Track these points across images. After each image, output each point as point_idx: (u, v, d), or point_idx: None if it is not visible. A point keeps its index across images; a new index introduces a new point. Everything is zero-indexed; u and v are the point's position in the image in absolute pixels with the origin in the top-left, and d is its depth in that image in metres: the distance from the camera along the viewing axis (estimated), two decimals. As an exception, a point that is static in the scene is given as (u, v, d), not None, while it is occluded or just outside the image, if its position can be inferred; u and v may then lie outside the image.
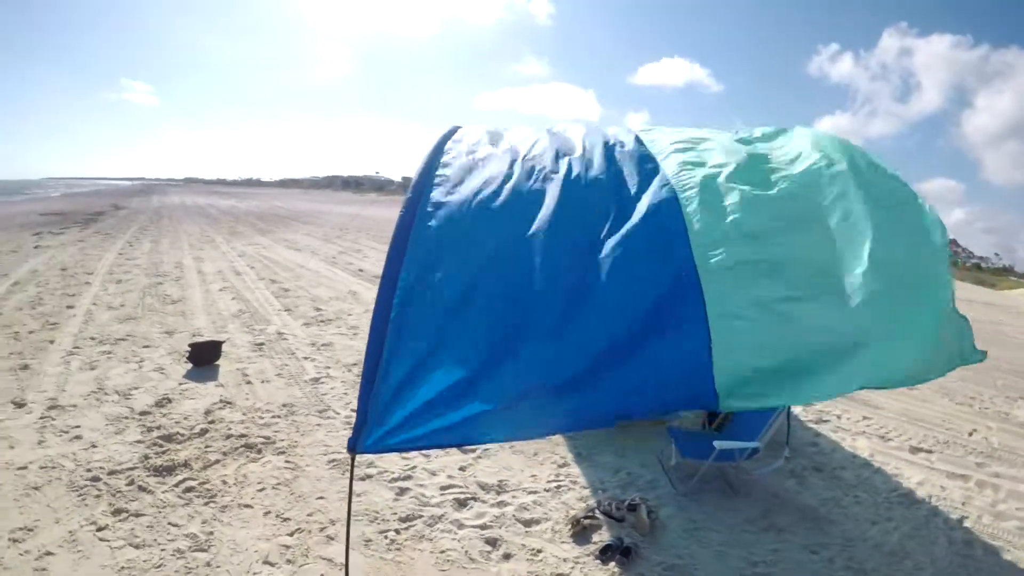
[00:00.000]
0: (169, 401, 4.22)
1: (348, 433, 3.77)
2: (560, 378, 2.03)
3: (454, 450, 3.80)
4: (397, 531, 2.91)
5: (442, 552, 2.77)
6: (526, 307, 2.10)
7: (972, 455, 4.21)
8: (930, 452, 4.20)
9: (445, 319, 2.03)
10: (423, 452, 3.78)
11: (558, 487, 3.43)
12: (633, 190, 2.49)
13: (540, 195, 2.41)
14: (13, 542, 2.56)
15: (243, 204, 34.92)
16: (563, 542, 2.89)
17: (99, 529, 2.73)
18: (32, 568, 2.41)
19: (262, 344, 5.75)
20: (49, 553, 2.52)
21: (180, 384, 4.56)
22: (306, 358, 5.40)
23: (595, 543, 2.86)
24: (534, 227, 2.26)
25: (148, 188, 54.08)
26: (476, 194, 2.37)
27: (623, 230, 2.28)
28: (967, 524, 3.28)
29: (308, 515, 2.99)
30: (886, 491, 3.59)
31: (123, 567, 2.49)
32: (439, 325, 2.01)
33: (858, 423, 4.68)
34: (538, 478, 3.55)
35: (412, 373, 1.98)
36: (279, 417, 4.09)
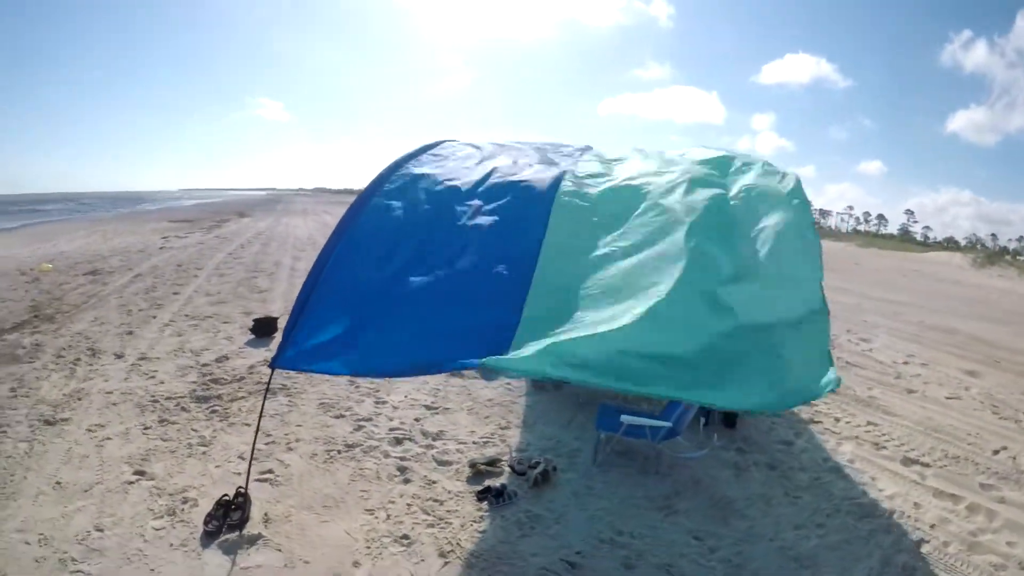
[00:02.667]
0: (227, 359, 5.77)
1: (348, 386, 5.13)
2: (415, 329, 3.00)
3: (416, 403, 4.80)
4: (339, 451, 3.94)
5: (361, 470, 3.72)
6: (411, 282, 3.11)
7: (983, 475, 4.00)
8: (927, 466, 4.07)
9: (358, 284, 2.95)
10: (388, 403, 4.93)
11: (486, 443, 4.18)
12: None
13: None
14: (87, 431, 4.05)
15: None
16: (458, 480, 3.65)
17: (145, 428, 4.17)
18: (94, 445, 3.85)
19: None
20: (108, 438, 3.96)
21: (239, 348, 6.14)
22: None
23: (484, 486, 3.54)
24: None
25: (276, 198, 63.31)
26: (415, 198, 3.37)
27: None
28: (923, 549, 3.13)
29: (285, 433, 4.16)
30: (839, 499, 3.57)
31: (151, 449, 3.85)
32: (353, 287, 2.94)
33: (856, 428, 4.65)
34: (475, 434, 4.39)
35: (322, 316, 3.12)
36: (305, 376, 5.37)
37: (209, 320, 7.37)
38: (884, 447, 4.39)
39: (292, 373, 5.41)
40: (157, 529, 3.10)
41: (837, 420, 4.83)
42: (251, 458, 3.40)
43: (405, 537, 3.12)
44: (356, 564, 2.90)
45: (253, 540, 3.05)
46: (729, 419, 4.48)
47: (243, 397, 4.96)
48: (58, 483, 3.43)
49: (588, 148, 4.40)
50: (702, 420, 4.13)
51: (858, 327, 8.09)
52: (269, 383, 3.59)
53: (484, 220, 3.26)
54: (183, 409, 4.65)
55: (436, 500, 3.49)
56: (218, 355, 6.00)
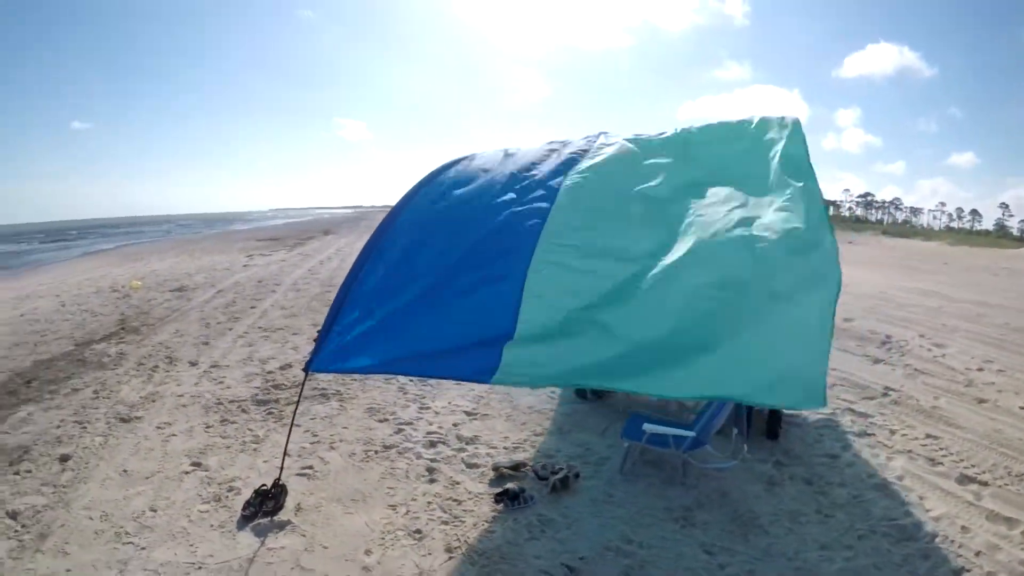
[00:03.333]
0: (290, 367, 6.28)
1: (397, 392, 5.46)
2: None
3: (457, 409, 5.00)
4: (376, 452, 4.20)
5: (392, 469, 3.93)
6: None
7: (1050, 497, 3.52)
8: (985, 485, 3.68)
9: (376, 294, 3.24)
10: (431, 408, 5.17)
11: (517, 448, 4.28)
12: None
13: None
14: (156, 428, 4.59)
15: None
16: (481, 483, 3.76)
17: (207, 427, 4.68)
18: (160, 440, 4.37)
19: None
20: (173, 435, 4.47)
21: (303, 357, 6.68)
22: None
23: (503, 488, 3.60)
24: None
25: (361, 215, 67.01)
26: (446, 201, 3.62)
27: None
28: (964, 576, 2.84)
29: (330, 434, 4.50)
30: (878, 519, 3.32)
31: (209, 444, 4.32)
32: (372, 295, 3.24)
33: (912, 441, 4.29)
34: (508, 439, 4.52)
35: (349, 322, 3.42)
36: (355, 380, 5.70)
37: (280, 332, 8.05)
38: (940, 463, 4.00)
39: (347, 380, 5.83)
40: (202, 512, 3.48)
41: (892, 432, 4.45)
42: (284, 454, 3.76)
43: (418, 532, 3.28)
44: (368, 552, 3.10)
45: (282, 526, 3.34)
46: (771, 430, 4.27)
47: (306, 399, 5.40)
48: (124, 471, 3.95)
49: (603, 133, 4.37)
50: (735, 430, 3.96)
51: (934, 331, 7.44)
52: (303, 386, 3.93)
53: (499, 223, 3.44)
54: (243, 411, 5.14)
55: (455, 500, 3.63)
56: (283, 363, 6.55)
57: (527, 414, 4.99)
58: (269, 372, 6.23)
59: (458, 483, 3.86)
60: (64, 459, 4.09)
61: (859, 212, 68.60)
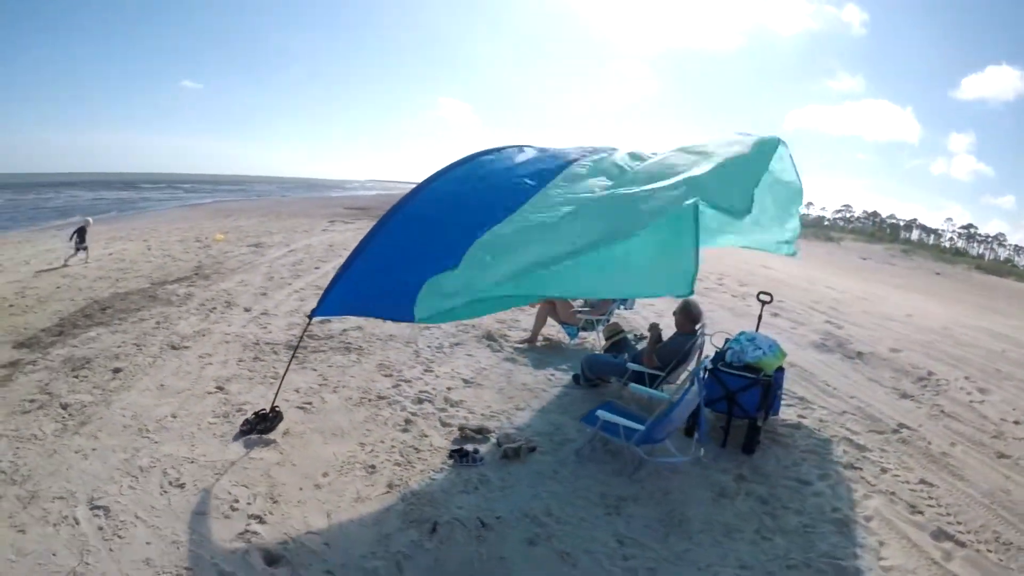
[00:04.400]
0: (329, 321, 7.01)
1: (410, 355, 6.12)
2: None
3: (457, 376, 5.46)
4: (369, 399, 4.77)
5: (376, 415, 4.48)
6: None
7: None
8: (962, 545, 3.35)
9: (377, 255, 3.75)
10: (434, 372, 5.70)
11: (493, 416, 4.60)
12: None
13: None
14: (199, 357, 5.49)
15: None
16: (447, 439, 4.21)
17: (239, 361, 5.49)
18: (198, 367, 5.24)
19: None
20: (210, 364, 5.33)
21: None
22: None
23: (460, 447, 4.04)
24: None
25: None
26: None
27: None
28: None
29: (338, 380, 5.14)
30: (818, 553, 3.18)
31: (236, 374, 5.12)
32: (374, 256, 3.74)
33: (901, 484, 4.01)
34: (490, 408, 4.79)
35: (355, 274, 4.04)
36: (381, 340, 6.41)
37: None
38: (921, 511, 3.70)
39: (371, 338, 6.55)
40: (211, 423, 4.27)
41: (883, 471, 4.20)
42: (279, 388, 4.47)
43: (372, 467, 3.83)
44: (325, 475, 3.70)
45: (268, 443, 4.03)
46: (748, 444, 4.29)
47: (323, 351, 6.15)
48: (161, 385, 4.86)
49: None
50: (696, 434, 4.15)
51: (983, 375, 6.68)
52: (303, 332, 4.67)
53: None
54: (274, 352, 5.99)
55: (416, 449, 4.13)
56: (323, 318, 7.44)
57: (519, 390, 5.37)
58: (309, 324, 7.12)
59: (426, 436, 4.36)
60: (116, 371, 5.11)
61: (959, 244, 60.95)
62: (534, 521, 3.33)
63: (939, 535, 3.49)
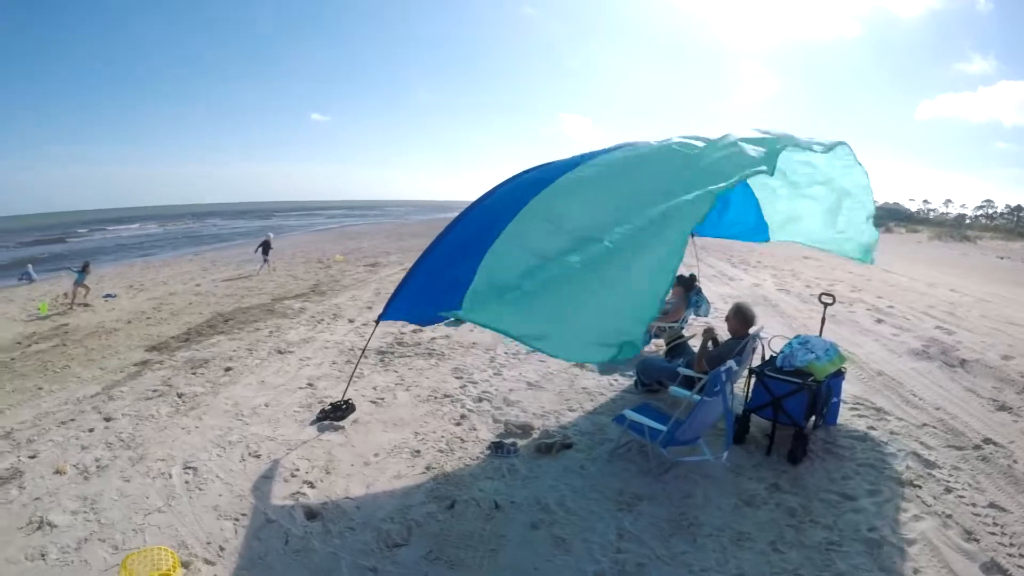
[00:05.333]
0: (420, 331, 7.87)
1: (485, 359, 6.62)
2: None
3: (521, 379, 5.75)
4: (435, 397, 5.23)
5: (437, 410, 4.91)
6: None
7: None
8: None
9: (431, 264, 4.28)
10: (502, 375, 6.08)
11: (544, 416, 4.77)
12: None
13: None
14: (299, 359, 6.35)
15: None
16: (493, 433, 4.50)
17: (333, 363, 6.29)
18: (297, 368, 6.09)
19: None
20: (307, 365, 6.16)
21: (437, 327, 8.58)
22: None
23: (499, 440, 4.33)
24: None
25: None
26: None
27: None
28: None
29: (414, 380, 5.70)
30: (832, 574, 2.94)
31: (327, 374, 5.88)
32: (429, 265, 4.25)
33: (964, 506, 3.50)
34: (543, 408, 4.96)
35: (408, 286, 4.63)
36: (463, 347, 6.94)
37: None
38: (977, 539, 3.18)
39: (454, 344, 7.12)
40: (295, 412, 5.02)
41: (947, 491, 3.66)
42: (348, 384, 5.14)
43: (417, 451, 4.27)
44: (376, 455, 4.19)
45: (337, 429, 4.64)
46: (793, 453, 4.01)
47: (408, 356, 6.82)
48: (262, 382, 5.78)
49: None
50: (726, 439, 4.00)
51: None
52: (371, 335, 5.31)
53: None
54: (365, 357, 6.79)
55: (461, 439, 4.50)
56: (416, 328, 8.19)
57: (577, 393, 5.50)
58: (402, 333, 7.84)
59: (476, 429, 4.71)
60: (227, 369, 6.16)
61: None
62: (544, 509, 3.48)
63: (991, 568, 2.98)
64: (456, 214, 4.59)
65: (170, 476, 3.88)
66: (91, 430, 4.68)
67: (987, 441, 4.39)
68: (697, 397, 3.66)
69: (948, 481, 3.82)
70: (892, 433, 4.51)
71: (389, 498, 3.62)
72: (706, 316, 7.56)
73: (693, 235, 8.15)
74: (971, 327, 8.05)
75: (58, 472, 3.91)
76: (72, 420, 4.92)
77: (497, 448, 4.25)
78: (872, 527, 3.31)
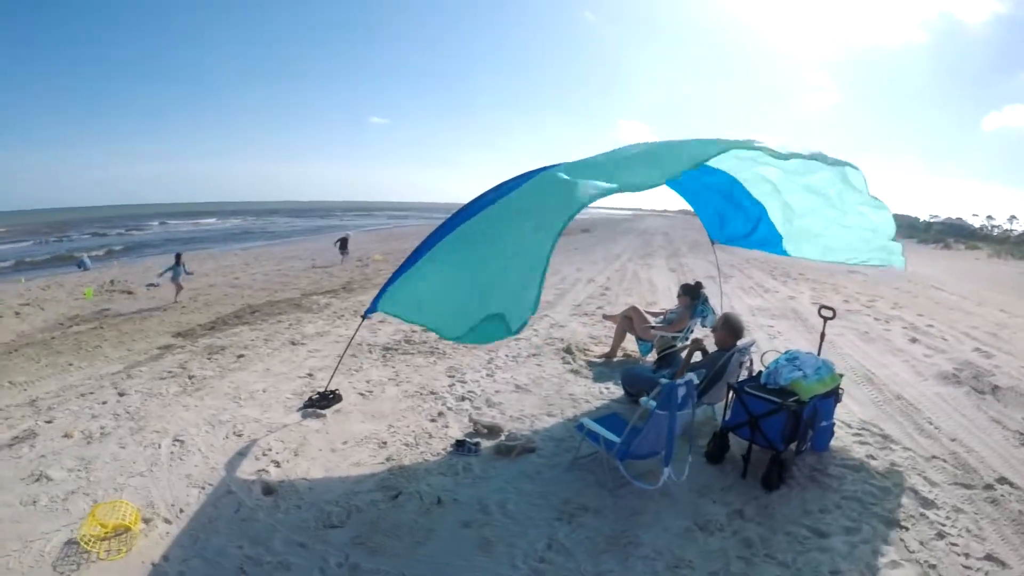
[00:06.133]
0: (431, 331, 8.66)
1: (482, 361, 6.99)
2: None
3: (510, 382, 5.95)
4: (419, 393, 5.53)
5: (417, 406, 5.19)
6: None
7: None
8: None
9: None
10: (494, 377, 6.35)
11: (520, 419, 4.94)
12: None
13: None
14: (308, 351, 6.86)
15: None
16: (461, 431, 4.74)
17: (337, 356, 6.86)
18: (303, 358, 6.55)
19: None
20: (313, 356, 6.67)
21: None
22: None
23: (463, 438, 4.55)
24: None
25: (637, 216, 69.14)
26: None
27: None
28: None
29: (406, 376, 6.03)
30: None
31: (327, 366, 6.25)
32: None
33: (956, 556, 3.25)
34: (522, 412, 5.09)
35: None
36: (467, 347, 7.14)
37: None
38: None
39: (458, 345, 7.49)
40: (288, 398, 5.47)
41: (940, 535, 3.41)
42: (332, 376, 5.55)
43: (384, 443, 4.57)
44: (344, 443, 4.53)
45: (319, 416, 5.03)
46: (768, 478, 3.88)
47: (411, 353, 7.21)
48: (267, 369, 6.31)
49: None
50: (689, 456, 3.94)
51: None
52: (357, 330, 5.71)
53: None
54: (369, 352, 7.24)
55: (430, 435, 4.76)
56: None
57: (563, 399, 5.60)
58: (413, 332, 8.29)
59: (448, 427, 4.96)
60: (240, 356, 6.75)
61: None
62: (482, 509, 3.60)
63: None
64: None
65: (159, 446, 4.40)
66: (104, 402, 5.32)
67: (1002, 480, 4.09)
68: (654, 403, 3.60)
69: (943, 525, 3.54)
70: (893, 465, 4.26)
71: (341, 483, 3.96)
72: (711, 326, 7.56)
73: (713, 243, 8.27)
74: (1013, 351, 7.60)
75: (66, 436, 4.53)
76: (91, 393, 5.60)
77: (459, 446, 4.49)
78: (836, 570, 3.09)
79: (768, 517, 3.58)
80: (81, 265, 16.30)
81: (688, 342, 6.52)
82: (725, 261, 17.60)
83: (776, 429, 3.88)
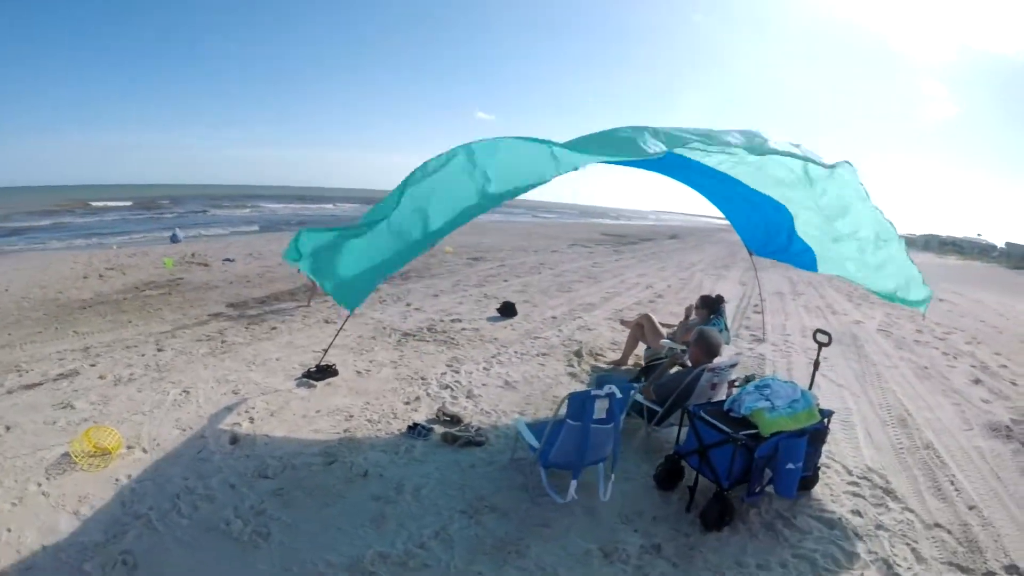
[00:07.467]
0: (458, 320, 8.69)
1: (482, 356, 7.55)
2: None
3: (500, 377, 6.30)
4: (410, 378, 6.03)
5: (400, 389, 5.71)
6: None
7: None
8: None
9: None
10: (491, 371, 6.68)
11: (490, 413, 5.26)
12: None
13: None
14: (335, 329, 8.00)
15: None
16: (426, 417, 5.16)
17: (359, 337, 7.43)
18: (327, 336, 7.22)
19: (555, 317, 9.63)
20: (335, 334, 7.91)
21: (474, 317, 9.04)
22: (553, 328, 9.07)
23: (426, 424, 4.94)
24: None
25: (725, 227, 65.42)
26: None
27: None
28: None
29: (408, 362, 6.58)
30: None
31: (343, 344, 7.08)
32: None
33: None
34: (497, 406, 5.29)
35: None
36: (484, 341, 7.66)
37: (490, 300, 10.89)
38: None
39: (471, 337, 8.08)
40: (293, 368, 6.27)
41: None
42: (325, 352, 6.30)
43: (351, 415, 5.12)
44: (317, 411, 5.13)
45: (310, 386, 5.71)
46: (708, 516, 3.64)
47: (427, 341, 7.82)
48: (290, 342, 7.22)
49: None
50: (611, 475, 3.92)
51: None
52: (343, 323, 6.46)
53: None
54: (388, 336, 7.93)
55: (394, 415, 5.32)
56: (454, 317, 9.25)
57: (544, 400, 5.82)
58: (440, 321, 8.90)
59: (416, 411, 5.46)
60: (273, 328, 7.69)
61: None
62: (397, 489, 3.89)
63: None
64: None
65: (168, 394, 5.37)
66: (143, 355, 6.46)
67: (1011, 569, 3.46)
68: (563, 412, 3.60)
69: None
70: (879, 527, 3.79)
71: (292, 444, 4.60)
72: (726, 343, 7.52)
73: (751, 253, 8.25)
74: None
75: (100, 377, 5.66)
76: (135, 346, 6.80)
77: (411, 429, 4.92)
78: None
79: (687, 560, 3.33)
80: (174, 238, 18.90)
81: (656, 346, 6.62)
82: (802, 279, 16.65)
83: (723, 463, 3.58)
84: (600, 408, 3.54)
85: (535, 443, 3.86)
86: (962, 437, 5.51)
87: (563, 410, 3.63)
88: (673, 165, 6.29)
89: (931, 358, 8.47)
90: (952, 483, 4.55)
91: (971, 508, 4.18)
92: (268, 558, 3.23)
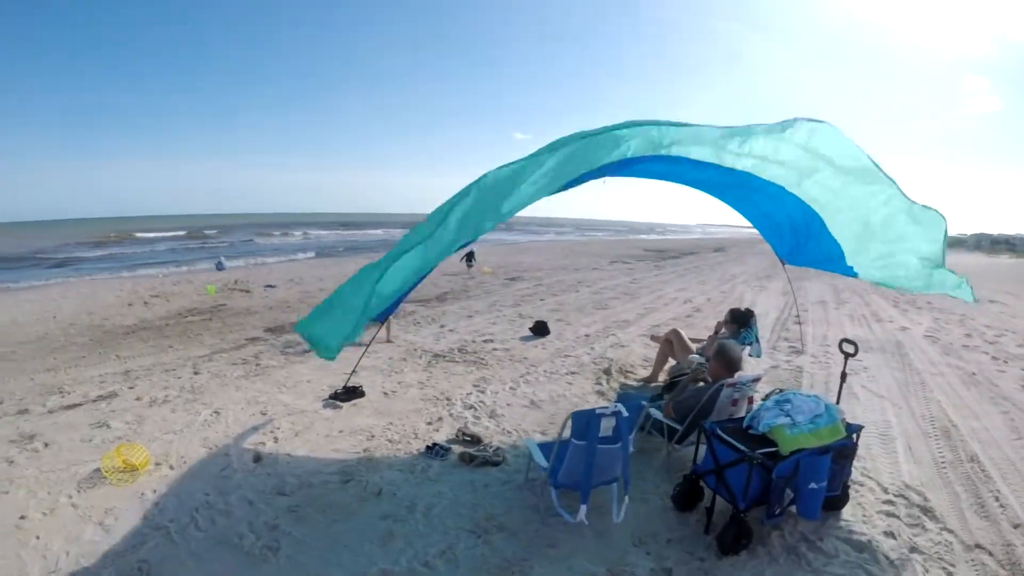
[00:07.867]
0: (490, 341, 8.75)
1: (509, 376, 7.59)
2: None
3: (527, 396, 6.27)
4: (436, 399, 6.10)
5: (424, 410, 5.79)
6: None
7: None
8: None
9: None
10: (517, 392, 6.72)
11: (512, 433, 5.37)
12: None
13: None
14: (367, 352, 8.37)
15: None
16: (445, 437, 5.18)
17: (389, 359, 7.55)
18: (357, 357, 7.85)
19: (588, 335, 9.60)
20: (367, 356, 7.66)
21: (506, 337, 9.04)
22: (584, 348, 9.01)
23: (445, 444, 4.96)
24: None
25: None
26: None
27: None
28: None
29: (436, 383, 6.63)
30: None
31: (372, 366, 7.31)
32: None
33: None
34: (519, 427, 5.33)
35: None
36: (513, 361, 7.67)
37: (525, 320, 10.93)
38: None
39: (500, 357, 8.14)
40: (323, 389, 6.41)
41: None
42: (350, 376, 6.41)
43: (372, 435, 5.24)
44: (340, 432, 5.26)
45: (336, 408, 5.90)
46: (724, 539, 3.50)
47: (457, 362, 7.90)
48: (322, 365, 7.33)
49: None
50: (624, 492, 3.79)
51: None
52: (372, 340, 6.61)
53: None
54: (419, 357, 8.05)
55: (416, 435, 5.45)
56: (487, 337, 9.32)
57: (551, 406, 5.94)
58: (472, 342, 8.99)
59: (438, 431, 5.53)
60: (306, 351, 7.97)
61: None
62: (408, 508, 3.91)
63: None
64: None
65: (199, 414, 5.62)
66: (179, 377, 6.77)
67: None
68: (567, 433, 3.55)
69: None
70: (914, 549, 3.55)
71: (312, 463, 4.71)
72: (757, 357, 7.31)
73: (783, 262, 8.06)
74: None
75: (137, 399, 5.98)
76: (173, 370, 7.14)
77: (429, 449, 4.95)
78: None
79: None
80: (219, 266, 19.80)
81: (681, 362, 6.47)
82: (847, 286, 16.01)
83: (739, 483, 3.44)
84: (606, 427, 3.44)
85: (544, 463, 3.83)
86: (1010, 448, 5.14)
87: (567, 431, 3.57)
88: (685, 170, 6.16)
89: (979, 364, 7.96)
90: (997, 499, 4.24)
91: (1016, 527, 3.86)
92: (275, 571, 3.30)
